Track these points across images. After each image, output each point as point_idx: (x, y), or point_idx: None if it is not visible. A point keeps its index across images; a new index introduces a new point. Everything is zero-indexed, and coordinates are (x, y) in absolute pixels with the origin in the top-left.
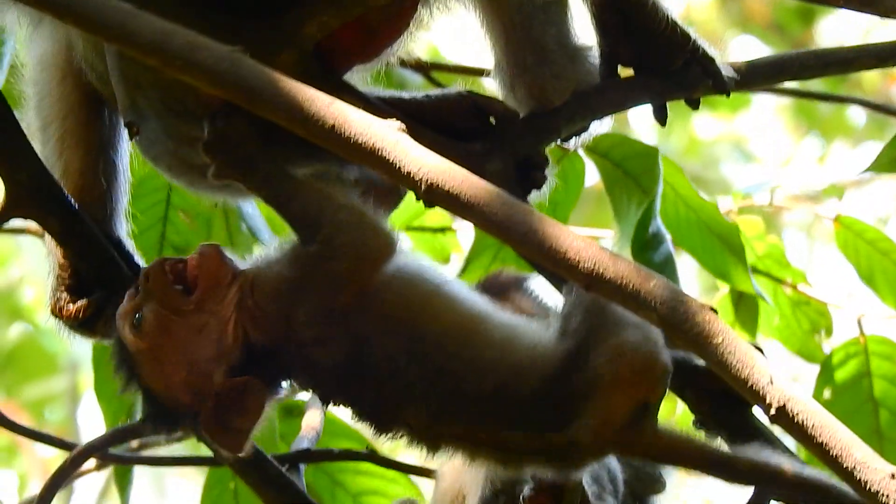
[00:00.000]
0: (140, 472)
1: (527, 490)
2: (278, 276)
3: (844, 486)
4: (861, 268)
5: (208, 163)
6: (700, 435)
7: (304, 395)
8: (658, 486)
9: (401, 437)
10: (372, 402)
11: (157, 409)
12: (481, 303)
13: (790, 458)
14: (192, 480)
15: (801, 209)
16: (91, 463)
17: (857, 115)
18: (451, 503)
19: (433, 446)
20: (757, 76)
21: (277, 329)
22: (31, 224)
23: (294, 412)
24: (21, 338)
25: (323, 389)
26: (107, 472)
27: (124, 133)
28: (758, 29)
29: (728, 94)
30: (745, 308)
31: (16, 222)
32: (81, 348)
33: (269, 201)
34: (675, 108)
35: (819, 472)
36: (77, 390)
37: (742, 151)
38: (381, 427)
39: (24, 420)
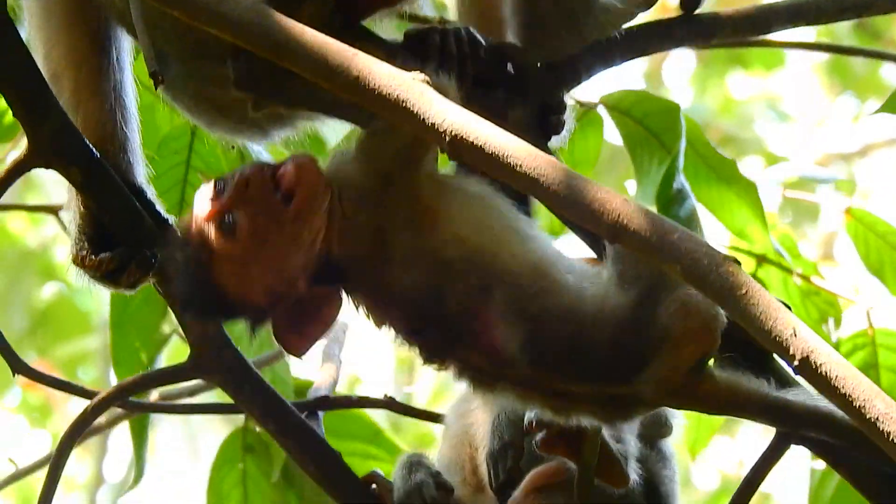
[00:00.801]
0: (174, 429)
1: (539, 436)
2: (359, 176)
3: None
4: (870, 260)
5: (243, 99)
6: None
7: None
8: (665, 429)
9: (448, 369)
10: (435, 336)
11: (217, 304)
12: (551, 243)
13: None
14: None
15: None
16: (103, 418)
17: (891, 75)
18: (459, 449)
19: (487, 387)
20: (773, 20)
21: (364, 242)
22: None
23: (303, 394)
24: (54, 297)
25: (383, 312)
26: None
27: (130, 73)
28: None
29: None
30: None
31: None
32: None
33: (318, 107)
34: (709, 67)
35: None
36: (110, 350)
37: (776, 111)
38: (434, 359)
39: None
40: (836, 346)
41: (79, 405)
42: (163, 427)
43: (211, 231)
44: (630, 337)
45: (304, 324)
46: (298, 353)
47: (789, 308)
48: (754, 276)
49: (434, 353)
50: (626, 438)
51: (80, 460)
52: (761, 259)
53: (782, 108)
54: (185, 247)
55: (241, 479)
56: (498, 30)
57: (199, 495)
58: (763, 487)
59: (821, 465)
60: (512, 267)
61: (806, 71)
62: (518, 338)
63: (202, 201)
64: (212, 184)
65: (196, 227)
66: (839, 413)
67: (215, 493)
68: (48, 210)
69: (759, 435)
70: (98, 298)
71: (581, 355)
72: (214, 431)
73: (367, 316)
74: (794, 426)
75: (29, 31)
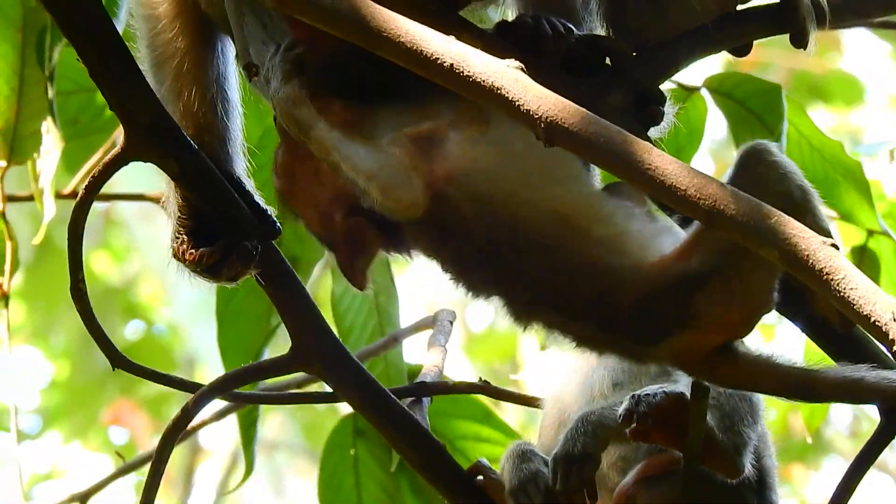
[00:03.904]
0: (258, 470)
1: (633, 426)
2: None
3: None
4: None
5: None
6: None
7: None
8: None
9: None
10: (465, 275)
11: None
12: (595, 194)
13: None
14: (311, 477)
15: None
16: (210, 413)
17: None
18: (557, 433)
19: (524, 323)
20: (871, 6)
21: None
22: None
23: (414, 377)
24: (137, 335)
25: (428, 245)
26: (226, 463)
27: (236, 66)
28: None
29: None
30: (867, 267)
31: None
32: (198, 345)
33: None
34: (789, 101)
35: None
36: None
37: (858, 144)
38: (470, 290)
39: (142, 419)
40: None
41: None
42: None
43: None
44: (659, 306)
45: (357, 259)
46: (357, 286)
47: None
48: (865, 247)
49: (472, 291)
50: (743, 431)
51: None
52: (871, 231)
53: (863, 142)
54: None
55: (353, 465)
56: (571, 20)
57: None
58: None
59: None
60: (525, 210)
61: (886, 104)
62: (533, 285)
63: None
64: None
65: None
66: (869, 379)
67: (327, 481)
68: (151, 199)
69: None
70: (181, 337)
71: (601, 311)
72: (299, 469)
73: (419, 250)
74: (821, 401)
75: (132, 19)
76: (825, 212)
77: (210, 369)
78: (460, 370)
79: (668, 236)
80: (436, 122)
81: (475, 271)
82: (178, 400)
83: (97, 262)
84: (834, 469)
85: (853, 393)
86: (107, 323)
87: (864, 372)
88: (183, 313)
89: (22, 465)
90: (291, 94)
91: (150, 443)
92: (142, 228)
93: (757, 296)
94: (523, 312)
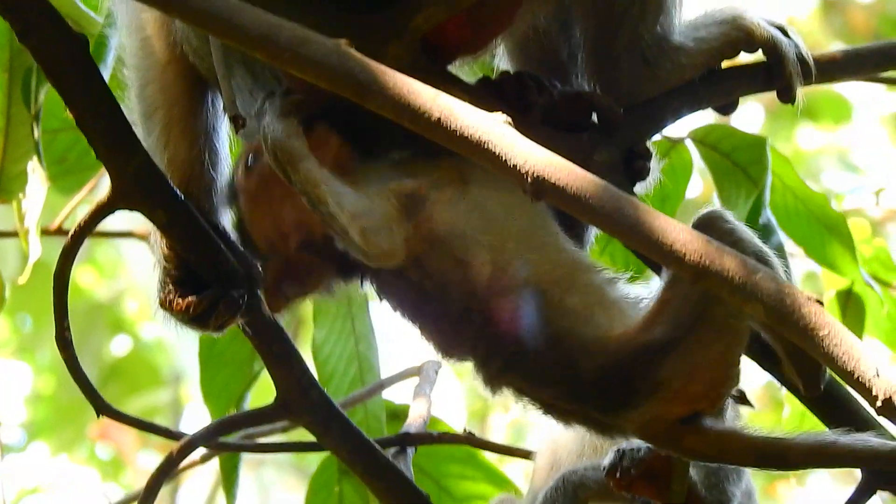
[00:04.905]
0: (246, 485)
1: (616, 478)
2: None
3: None
4: None
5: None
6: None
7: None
8: None
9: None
10: (432, 330)
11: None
12: (572, 261)
13: (851, 435)
14: (298, 493)
15: None
16: (197, 455)
17: None
18: (547, 480)
19: (494, 389)
20: (860, 64)
21: None
22: (135, 226)
23: (400, 416)
24: (124, 351)
25: (391, 301)
26: (212, 479)
27: (225, 118)
28: (861, 40)
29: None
30: (853, 311)
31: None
32: (185, 360)
33: None
34: (777, 120)
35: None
36: (180, 403)
37: (845, 163)
38: (444, 353)
39: (128, 433)
40: None
41: (150, 459)
42: None
43: (240, 166)
44: (622, 376)
45: (288, 284)
46: (273, 310)
47: None
48: (850, 291)
49: (442, 349)
50: (728, 489)
51: None
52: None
53: (851, 161)
54: (230, 184)
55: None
56: (559, 77)
57: None
58: None
59: None
60: (501, 281)
61: (875, 123)
62: (499, 350)
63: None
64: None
65: (235, 166)
66: (845, 443)
67: None
68: (138, 236)
69: (831, 484)
70: (168, 352)
71: (565, 379)
72: (286, 485)
73: (381, 299)
74: (795, 469)
75: (124, 69)
76: (785, 274)
77: (196, 386)
78: (448, 388)
79: (641, 305)
80: (418, 180)
81: (449, 335)
82: (164, 416)
83: (83, 278)
84: (819, 485)
85: (826, 458)
86: (93, 338)
87: (838, 436)
88: (169, 329)
89: (6, 479)
90: (286, 128)
91: (137, 458)
92: (128, 244)
93: (717, 368)
94: (494, 377)
